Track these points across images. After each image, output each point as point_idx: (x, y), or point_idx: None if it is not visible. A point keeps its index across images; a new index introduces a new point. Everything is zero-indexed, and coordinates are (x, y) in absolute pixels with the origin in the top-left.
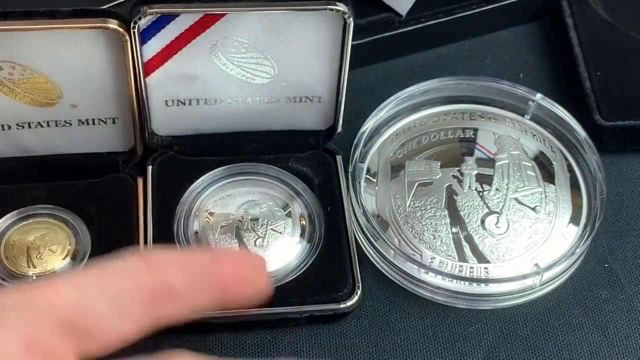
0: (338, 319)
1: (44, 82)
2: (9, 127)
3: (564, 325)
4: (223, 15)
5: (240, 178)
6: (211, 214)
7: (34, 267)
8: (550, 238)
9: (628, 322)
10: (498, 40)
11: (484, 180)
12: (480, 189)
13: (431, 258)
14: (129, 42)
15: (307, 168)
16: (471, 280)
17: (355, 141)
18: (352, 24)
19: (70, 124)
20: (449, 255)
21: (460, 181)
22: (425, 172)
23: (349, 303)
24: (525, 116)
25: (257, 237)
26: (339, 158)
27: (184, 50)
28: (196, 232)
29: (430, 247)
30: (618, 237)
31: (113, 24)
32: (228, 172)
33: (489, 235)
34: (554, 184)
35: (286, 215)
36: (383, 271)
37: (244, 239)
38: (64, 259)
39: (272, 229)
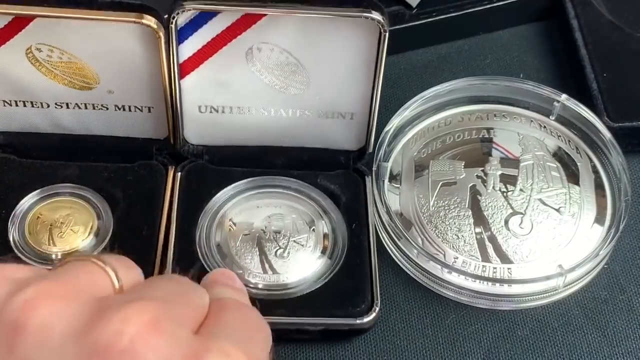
0: (354, 336)
1: (81, 67)
2: (48, 106)
3: (563, 325)
4: (261, 17)
5: (268, 190)
6: (235, 223)
7: (55, 245)
8: (574, 239)
9: (627, 322)
10: (498, 41)
11: (508, 180)
12: (505, 190)
13: (454, 258)
14: (162, 39)
15: (335, 186)
16: (494, 280)
17: (380, 140)
18: (387, 35)
19: (107, 108)
20: (472, 256)
21: (484, 181)
22: (449, 172)
23: (366, 319)
24: (550, 117)
25: (278, 247)
26: (368, 179)
27: (220, 53)
28: (218, 243)
29: (453, 246)
30: (618, 237)
31: (148, 20)
32: (256, 184)
33: (513, 235)
34: (578, 185)
35: (310, 230)
36: (405, 270)
37: (265, 249)
38: (84, 240)
39: (294, 240)
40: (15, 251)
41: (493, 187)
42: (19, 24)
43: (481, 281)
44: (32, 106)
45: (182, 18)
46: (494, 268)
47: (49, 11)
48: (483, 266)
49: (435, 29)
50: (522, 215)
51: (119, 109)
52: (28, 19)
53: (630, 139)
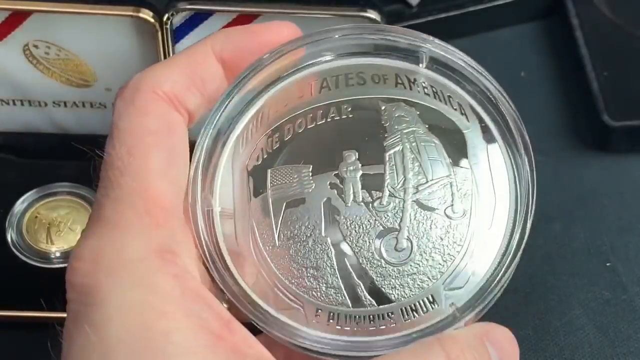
0: None
1: (78, 64)
2: (46, 104)
3: (565, 325)
4: (256, 17)
5: None
6: None
7: (53, 243)
8: (471, 249)
9: (630, 322)
10: (499, 39)
11: (373, 183)
12: (370, 199)
13: (317, 310)
14: (160, 32)
15: None
16: (371, 333)
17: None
18: None
19: (105, 107)
20: (339, 303)
21: (341, 191)
22: (293, 185)
23: None
24: (420, 65)
25: None
26: None
27: None
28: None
29: (313, 294)
30: (620, 236)
31: (145, 14)
32: None
33: (388, 264)
34: (468, 165)
35: None
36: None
37: None
38: None
39: None
40: (14, 250)
41: (354, 198)
42: (16, 20)
43: (354, 335)
44: (30, 105)
45: (177, 18)
46: (371, 317)
47: (46, 6)
48: (356, 317)
49: (436, 28)
50: (396, 233)
51: None
52: (25, 15)
53: (631, 138)
